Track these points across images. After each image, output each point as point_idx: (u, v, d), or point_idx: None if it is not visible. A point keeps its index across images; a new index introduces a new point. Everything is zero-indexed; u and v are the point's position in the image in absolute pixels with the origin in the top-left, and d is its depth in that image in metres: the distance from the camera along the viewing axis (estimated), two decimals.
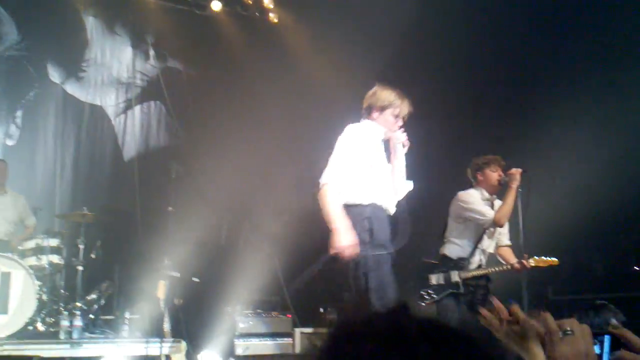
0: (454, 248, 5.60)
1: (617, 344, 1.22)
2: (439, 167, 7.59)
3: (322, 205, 4.20)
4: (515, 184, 5.35)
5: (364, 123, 4.50)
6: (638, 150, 7.21)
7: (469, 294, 5.47)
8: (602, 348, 1.29)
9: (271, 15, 9.34)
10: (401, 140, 4.52)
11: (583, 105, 7.42)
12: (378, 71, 7.43)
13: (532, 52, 8.24)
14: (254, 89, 9.03)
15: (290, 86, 8.71)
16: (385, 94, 4.51)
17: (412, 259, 5.79)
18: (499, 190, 5.57)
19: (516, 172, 5.38)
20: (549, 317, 1.25)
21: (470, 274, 5.45)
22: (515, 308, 1.39)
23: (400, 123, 4.52)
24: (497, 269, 5.49)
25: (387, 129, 4.49)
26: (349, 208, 4.22)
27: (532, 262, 5.34)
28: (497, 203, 5.58)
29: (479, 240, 5.56)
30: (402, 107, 4.49)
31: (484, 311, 1.39)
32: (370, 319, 0.81)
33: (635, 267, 7.98)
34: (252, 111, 8.90)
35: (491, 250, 5.67)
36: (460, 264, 5.50)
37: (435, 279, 5.49)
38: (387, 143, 4.57)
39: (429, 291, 5.46)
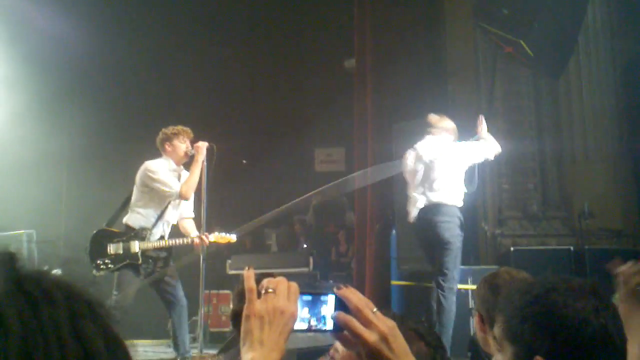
0: (137, 218, 5.46)
1: (341, 304, 1.21)
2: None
3: None
4: (201, 157, 5.41)
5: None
6: None
7: (148, 265, 5.39)
8: (321, 308, 1.26)
9: None
10: None
11: None
12: None
13: None
14: None
15: None
16: (448, 121, 5.89)
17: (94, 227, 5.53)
18: (186, 162, 5.59)
19: (202, 145, 5.44)
20: (248, 275, 1.23)
21: (151, 245, 5.37)
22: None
23: None
24: (177, 242, 5.49)
25: None
26: (449, 207, 5.57)
27: (211, 237, 5.45)
28: (184, 174, 5.59)
29: (163, 211, 5.51)
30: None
31: None
32: None
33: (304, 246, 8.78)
34: None
35: (174, 221, 5.65)
36: (142, 234, 5.38)
37: (113, 248, 5.29)
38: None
39: (106, 261, 5.25)
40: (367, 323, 1.16)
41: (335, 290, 1.23)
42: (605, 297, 1.45)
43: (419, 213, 5.76)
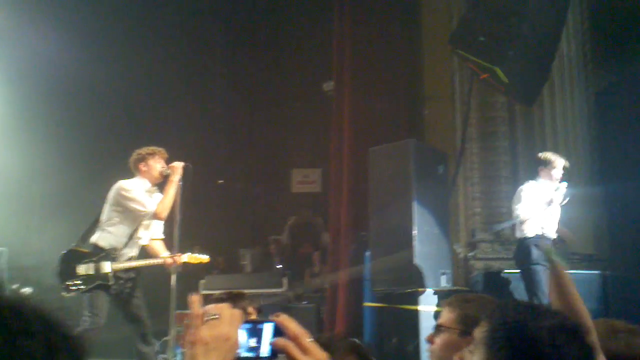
0: (107, 237, 5.40)
1: (279, 332, 1.23)
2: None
3: None
4: (176, 177, 5.39)
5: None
6: None
7: (117, 285, 5.34)
8: (259, 335, 1.28)
9: None
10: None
11: None
12: None
13: None
14: None
15: None
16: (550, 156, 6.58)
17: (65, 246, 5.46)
18: (160, 182, 5.56)
19: (178, 165, 5.42)
20: (194, 301, 1.24)
21: (122, 266, 5.32)
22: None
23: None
24: (149, 262, 5.44)
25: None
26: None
27: (184, 257, 5.42)
28: (157, 195, 5.56)
29: (135, 231, 5.46)
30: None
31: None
32: None
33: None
34: None
35: (145, 242, 5.61)
36: (112, 254, 5.33)
37: (84, 269, 5.23)
38: None
39: (76, 281, 5.19)
40: (305, 350, 1.19)
41: (273, 317, 1.25)
42: (589, 343, 1.47)
43: None
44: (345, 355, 1.69)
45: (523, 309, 1.53)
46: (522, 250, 6.50)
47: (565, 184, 6.51)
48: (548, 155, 6.66)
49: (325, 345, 1.61)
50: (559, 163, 6.57)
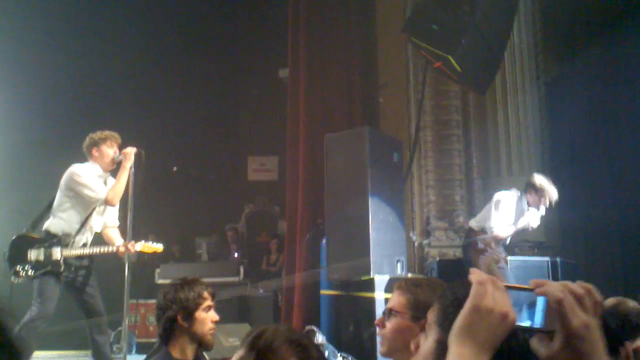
0: (59, 223, 5.28)
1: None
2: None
3: None
4: (129, 163, 5.30)
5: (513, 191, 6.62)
6: None
7: (69, 273, 5.24)
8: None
9: None
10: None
11: None
12: None
13: None
14: None
15: None
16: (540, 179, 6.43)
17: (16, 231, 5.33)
18: (113, 168, 5.48)
19: (131, 151, 5.34)
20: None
21: (73, 253, 5.21)
22: None
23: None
24: (102, 250, 5.34)
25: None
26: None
27: (137, 246, 5.33)
28: (111, 181, 5.47)
29: (87, 217, 5.36)
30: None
31: None
32: None
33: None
34: None
35: (98, 229, 5.51)
36: (64, 240, 5.22)
37: (34, 254, 5.12)
38: None
39: (26, 267, 5.08)
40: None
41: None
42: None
43: None
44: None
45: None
46: (469, 245, 6.64)
47: (544, 210, 6.52)
48: (544, 183, 6.46)
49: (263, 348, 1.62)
50: (552, 195, 6.43)
